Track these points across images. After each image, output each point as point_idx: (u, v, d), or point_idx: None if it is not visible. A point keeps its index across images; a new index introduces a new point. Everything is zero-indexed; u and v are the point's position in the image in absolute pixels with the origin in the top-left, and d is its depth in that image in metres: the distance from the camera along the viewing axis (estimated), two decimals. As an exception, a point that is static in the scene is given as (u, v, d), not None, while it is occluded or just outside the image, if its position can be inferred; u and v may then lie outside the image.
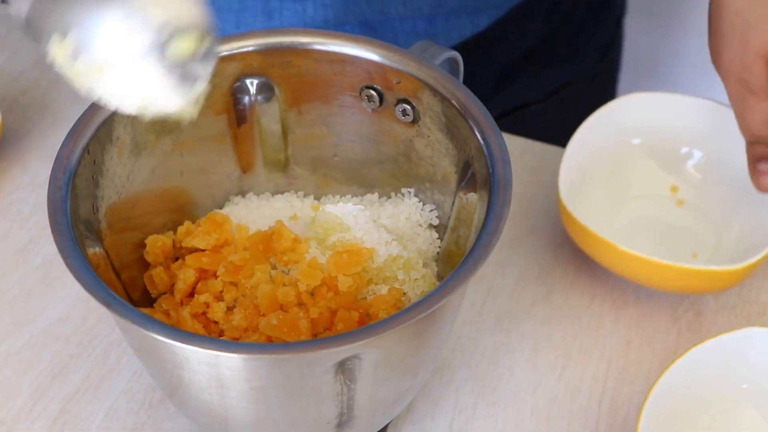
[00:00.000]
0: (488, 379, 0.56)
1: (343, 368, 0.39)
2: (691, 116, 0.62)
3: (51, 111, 0.70)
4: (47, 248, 0.62)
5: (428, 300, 0.37)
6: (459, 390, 0.55)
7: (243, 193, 0.53)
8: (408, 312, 0.37)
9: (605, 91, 0.86)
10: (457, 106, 0.46)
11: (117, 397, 0.54)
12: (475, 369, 0.56)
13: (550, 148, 0.69)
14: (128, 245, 0.48)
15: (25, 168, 0.66)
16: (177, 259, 0.50)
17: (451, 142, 0.47)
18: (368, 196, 0.53)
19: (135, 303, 0.48)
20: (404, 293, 0.46)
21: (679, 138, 0.63)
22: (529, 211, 0.65)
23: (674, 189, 0.63)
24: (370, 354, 0.39)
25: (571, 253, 0.63)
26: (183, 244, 0.49)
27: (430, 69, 0.47)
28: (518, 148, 0.70)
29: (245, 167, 0.52)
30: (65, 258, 0.39)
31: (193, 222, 0.51)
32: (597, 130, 0.61)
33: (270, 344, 0.37)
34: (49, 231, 0.41)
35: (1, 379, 0.55)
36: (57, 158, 0.43)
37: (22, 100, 0.71)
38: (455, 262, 0.49)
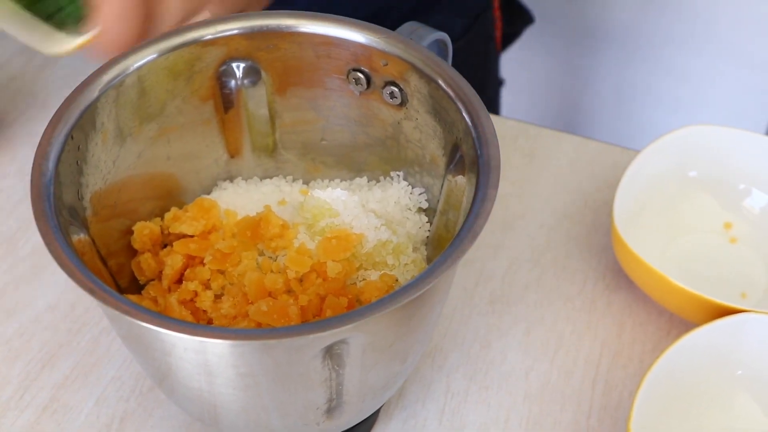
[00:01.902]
0: (480, 363, 0.56)
1: (331, 353, 0.39)
2: (751, 152, 0.61)
3: (39, 98, 0.70)
4: (36, 236, 0.61)
5: (416, 284, 0.37)
6: (450, 374, 0.55)
7: (231, 178, 0.53)
8: (395, 296, 0.36)
9: (486, 55, 0.86)
10: (445, 87, 0.45)
11: (107, 385, 0.54)
12: (467, 353, 0.56)
13: (544, 131, 0.69)
14: (115, 232, 0.48)
15: (13, 156, 0.66)
16: (165, 245, 0.49)
17: (439, 124, 0.47)
18: (357, 180, 0.52)
19: (123, 290, 0.48)
20: (396, 279, 0.45)
21: (738, 174, 0.61)
22: (522, 194, 0.65)
23: (728, 225, 0.61)
24: (357, 338, 0.38)
25: (563, 237, 0.62)
26: (170, 230, 0.48)
27: (418, 51, 0.46)
28: (511, 131, 0.69)
29: (233, 152, 0.52)
30: (48, 244, 0.39)
31: (181, 208, 0.50)
32: (654, 160, 0.60)
33: (256, 330, 0.36)
34: (38, 220, 0.40)
35: (-9, 368, 0.55)
36: (39, 144, 0.42)
37: (9, 87, 0.70)
38: (445, 246, 0.48)
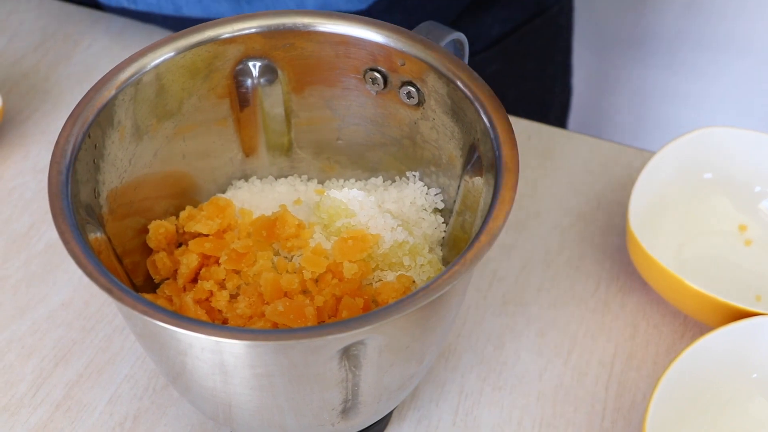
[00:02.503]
0: (494, 363, 0.56)
1: (348, 354, 0.38)
2: (767, 154, 0.60)
3: (52, 95, 0.70)
4: (49, 233, 0.61)
5: (433, 285, 0.37)
6: (464, 375, 0.55)
7: (246, 177, 0.53)
8: (413, 297, 0.36)
9: (554, 46, 0.85)
10: (462, 88, 0.45)
11: (120, 383, 0.54)
12: (480, 354, 0.56)
13: (558, 131, 0.69)
14: (130, 230, 0.48)
15: (26, 153, 0.66)
16: (180, 244, 0.49)
17: (457, 124, 0.47)
18: (372, 179, 0.52)
19: (137, 289, 0.48)
20: (413, 281, 0.45)
21: (753, 176, 0.61)
22: (536, 195, 0.65)
23: (742, 228, 0.61)
24: (375, 340, 0.38)
25: (576, 237, 0.62)
26: (185, 229, 0.48)
27: (436, 50, 0.46)
28: (525, 131, 0.69)
29: (248, 151, 0.52)
30: (66, 243, 0.39)
31: (196, 207, 0.50)
32: (669, 162, 0.60)
33: (273, 330, 0.36)
34: (51, 216, 0.40)
35: (4, 365, 0.55)
36: (57, 143, 0.42)
37: (23, 84, 0.70)
38: (461, 247, 0.48)
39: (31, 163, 0.65)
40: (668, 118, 1.28)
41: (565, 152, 0.67)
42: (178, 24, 0.69)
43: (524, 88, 0.83)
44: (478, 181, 0.45)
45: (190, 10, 0.67)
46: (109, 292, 0.37)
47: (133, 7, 0.69)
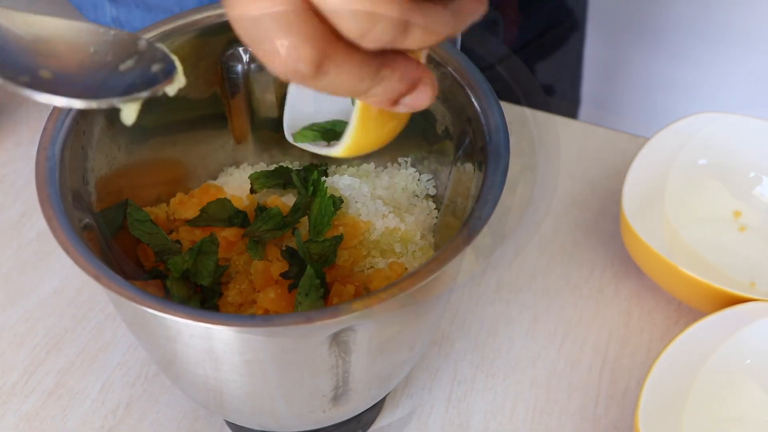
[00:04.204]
0: (487, 350, 0.55)
1: (338, 340, 0.38)
2: (762, 140, 0.60)
3: (44, 82, 0.69)
4: (41, 222, 0.61)
5: (422, 271, 0.36)
6: (457, 362, 0.55)
7: (237, 164, 0.53)
8: (401, 283, 0.36)
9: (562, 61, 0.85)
10: (453, 73, 0.45)
11: (112, 371, 0.54)
12: (473, 340, 0.56)
13: (552, 117, 0.68)
14: (120, 217, 0.48)
15: (18, 140, 0.66)
16: (171, 231, 0.49)
17: (448, 110, 0.46)
18: (364, 166, 0.52)
19: (127, 275, 0.47)
20: (405, 268, 0.45)
21: (748, 162, 0.61)
22: (529, 182, 0.64)
23: (737, 214, 0.61)
24: (364, 326, 0.38)
25: (570, 224, 0.62)
26: (176, 216, 0.48)
27: (427, 36, 0.46)
28: (519, 117, 0.68)
29: (239, 138, 0.52)
30: (54, 230, 0.38)
31: (187, 193, 0.50)
32: (663, 147, 0.59)
33: (261, 317, 0.36)
34: (42, 204, 0.40)
35: (-4, 353, 0.55)
36: (44, 129, 0.42)
37: (14, 72, 0.70)
38: (452, 234, 0.48)
39: (23, 150, 0.65)
40: (667, 107, 1.28)
41: (559, 138, 0.67)
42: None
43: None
44: (469, 166, 0.45)
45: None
46: (97, 279, 0.37)
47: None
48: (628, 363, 0.55)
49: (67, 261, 0.58)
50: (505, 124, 0.42)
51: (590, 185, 0.64)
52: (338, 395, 0.42)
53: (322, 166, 0.51)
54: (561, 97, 0.90)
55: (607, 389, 0.54)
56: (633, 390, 0.54)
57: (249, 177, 0.49)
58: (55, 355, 0.55)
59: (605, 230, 0.62)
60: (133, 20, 0.65)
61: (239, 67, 0.49)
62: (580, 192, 0.64)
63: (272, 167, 0.53)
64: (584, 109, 1.14)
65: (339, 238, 0.44)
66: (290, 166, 0.53)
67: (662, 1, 1.20)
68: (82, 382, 0.54)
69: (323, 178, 0.49)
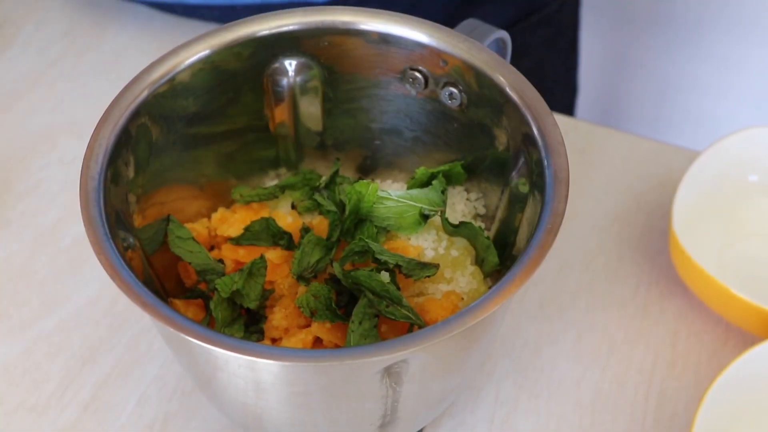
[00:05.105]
0: (530, 370, 0.54)
1: (390, 372, 0.37)
2: None
3: (79, 84, 0.68)
4: (76, 228, 0.60)
5: (482, 305, 0.35)
6: (500, 382, 0.53)
7: (279, 176, 0.51)
8: (460, 318, 0.35)
9: (554, 45, 0.83)
10: (508, 91, 0.43)
11: (148, 385, 0.53)
12: (516, 360, 0.54)
13: (595, 128, 0.67)
14: (161, 233, 0.47)
15: (53, 144, 0.65)
16: (212, 247, 0.48)
17: (501, 129, 0.45)
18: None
19: (168, 293, 0.47)
20: (462, 298, 0.43)
21: None
22: (573, 194, 0.62)
23: None
24: (418, 358, 0.37)
25: (614, 239, 0.60)
26: (218, 233, 0.47)
27: (480, 51, 0.44)
28: (562, 127, 0.67)
29: (282, 151, 0.50)
30: (99, 254, 0.37)
31: (229, 208, 0.49)
32: (713, 163, 0.58)
33: (315, 351, 0.35)
34: (78, 210, 0.39)
35: (32, 363, 0.54)
36: (89, 146, 0.41)
37: (48, 73, 0.69)
38: (501, 255, 0.46)
39: (59, 155, 0.64)
40: (702, 109, 1.25)
41: (602, 150, 0.66)
42: (225, 15, 0.66)
43: None
44: (524, 188, 0.43)
45: None
46: (143, 306, 0.36)
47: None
48: (675, 386, 0.54)
49: (102, 270, 0.57)
50: (564, 147, 0.41)
51: (635, 199, 0.63)
52: (385, 423, 0.41)
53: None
54: (554, 81, 0.87)
55: (654, 413, 0.52)
56: (681, 415, 0.52)
57: (292, 200, 0.48)
58: (91, 366, 0.54)
59: (651, 246, 0.60)
60: None
61: (284, 80, 0.47)
62: (625, 205, 0.62)
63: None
64: (582, 99, 1.11)
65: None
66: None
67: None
68: (117, 395, 0.53)
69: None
